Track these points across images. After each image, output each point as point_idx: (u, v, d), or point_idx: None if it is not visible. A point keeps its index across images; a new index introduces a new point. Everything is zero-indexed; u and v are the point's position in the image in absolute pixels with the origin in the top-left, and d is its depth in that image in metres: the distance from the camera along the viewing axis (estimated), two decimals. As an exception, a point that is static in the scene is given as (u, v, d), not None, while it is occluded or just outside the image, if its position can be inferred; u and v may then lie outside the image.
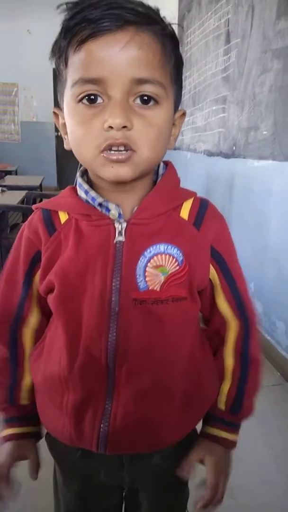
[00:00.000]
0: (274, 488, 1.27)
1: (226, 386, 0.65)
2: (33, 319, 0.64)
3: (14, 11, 5.95)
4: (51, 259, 0.57)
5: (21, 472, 0.64)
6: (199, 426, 0.68)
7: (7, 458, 0.62)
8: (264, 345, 2.00)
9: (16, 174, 5.31)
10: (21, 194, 3.03)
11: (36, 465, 0.64)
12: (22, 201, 2.93)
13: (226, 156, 2.48)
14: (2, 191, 3.06)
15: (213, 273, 0.61)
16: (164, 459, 0.64)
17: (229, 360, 0.65)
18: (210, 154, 2.79)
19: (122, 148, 0.49)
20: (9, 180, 4.05)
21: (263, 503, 1.22)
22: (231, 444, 0.65)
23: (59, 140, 6.81)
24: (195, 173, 3.08)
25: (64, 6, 0.48)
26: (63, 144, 0.58)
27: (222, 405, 0.65)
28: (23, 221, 3.08)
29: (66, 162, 6.39)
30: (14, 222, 3.13)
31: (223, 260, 0.61)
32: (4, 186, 3.22)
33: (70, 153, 0.56)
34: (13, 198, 2.86)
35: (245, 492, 1.23)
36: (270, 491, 1.26)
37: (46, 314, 0.64)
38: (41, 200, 3.78)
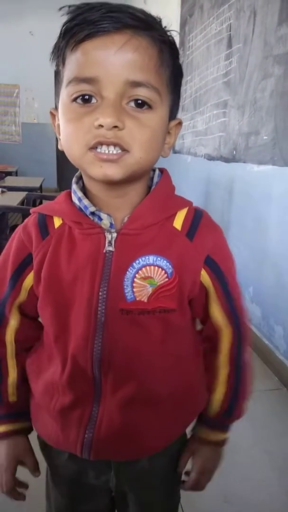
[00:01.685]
0: (270, 493, 1.27)
1: (218, 395, 0.65)
2: (13, 320, 0.63)
3: (17, 13, 5.98)
4: (42, 263, 0.57)
5: (20, 472, 0.65)
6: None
7: (8, 460, 0.63)
8: (262, 350, 2.00)
9: (17, 175, 5.31)
10: (21, 195, 3.03)
11: (33, 464, 0.66)
12: (22, 202, 2.93)
13: (226, 160, 2.49)
14: (2, 192, 3.06)
15: (208, 282, 0.59)
16: (151, 463, 0.64)
17: (224, 370, 0.64)
18: (210, 158, 2.80)
19: (112, 148, 0.48)
20: (9, 181, 4.05)
21: (258, 507, 1.21)
22: (221, 443, 0.66)
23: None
24: (195, 177, 3.09)
25: (66, 9, 0.48)
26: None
27: (213, 411, 0.65)
28: (23, 222, 3.08)
29: (66, 164, 6.28)
30: (14, 223, 3.13)
31: (220, 270, 0.60)
32: (4, 187, 3.22)
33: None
34: (13, 199, 2.86)
35: (240, 496, 1.23)
36: (266, 496, 1.26)
37: (27, 317, 0.64)
38: (41, 202, 3.79)
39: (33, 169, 6.14)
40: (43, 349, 0.62)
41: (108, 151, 0.48)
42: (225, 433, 0.66)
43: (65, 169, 6.54)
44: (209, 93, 2.78)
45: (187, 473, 0.68)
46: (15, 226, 2.99)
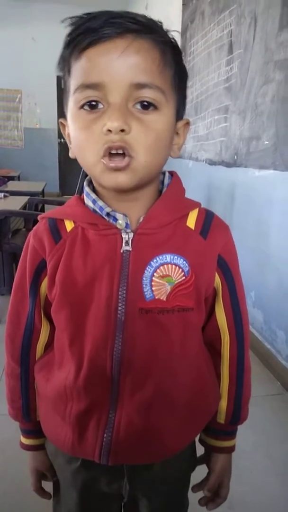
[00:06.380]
0: (273, 498, 1.26)
1: (224, 403, 0.66)
2: (43, 333, 0.64)
3: (19, 19, 6.03)
4: (57, 267, 0.57)
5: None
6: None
7: (31, 467, 0.71)
8: (264, 354, 2.00)
9: (19, 180, 5.34)
10: (23, 200, 3.05)
11: (52, 475, 0.71)
12: (24, 207, 2.94)
13: (228, 165, 2.50)
14: (5, 196, 3.08)
15: (218, 282, 0.61)
16: (164, 468, 0.64)
17: (225, 380, 0.66)
18: (211, 163, 2.81)
19: (120, 152, 0.49)
20: (12, 185, 4.08)
21: (261, 514, 1.21)
22: (234, 448, 0.68)
23: (62, 146, 6.91)
24: (196, 181, 3.10)
25: (69, 20, 0.49)
26: (65, 150, 0.58)
27: (221, 419, 0.66)
28: (25, 226, 3.09)
29: (68, 169, 6.43)
30: (16, 227, 3.14)
31: (229, 270, 0.61)
32: (7, 191, 3.24)
33: (72, 159, 0.56)
34: (16, 203, 2.88)
35: (243, 501, 1.22)
36: (268, 501, 1.25)
37: (54, 324, 0.64)
38: (43, 206, 3.81)
39: (35, 173, 6.16)
40: (53, 354, 0.62)
41: (117, 158, 0.49)
42: (234, 438, 0.69)
43: (67, 174, 6.56)
44: (210, 99, 2.79)
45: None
46: (17, 230, 3.01)
